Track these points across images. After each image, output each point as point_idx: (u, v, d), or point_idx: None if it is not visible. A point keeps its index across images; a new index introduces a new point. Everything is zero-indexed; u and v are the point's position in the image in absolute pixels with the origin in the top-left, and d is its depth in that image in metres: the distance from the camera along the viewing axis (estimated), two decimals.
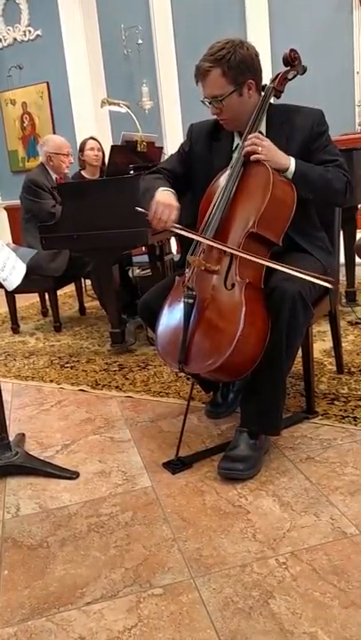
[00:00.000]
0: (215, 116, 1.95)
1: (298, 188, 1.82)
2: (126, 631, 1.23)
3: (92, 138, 4.18)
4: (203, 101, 1.91)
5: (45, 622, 1.28)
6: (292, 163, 1.83)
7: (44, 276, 3.64)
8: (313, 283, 1.72)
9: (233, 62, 1.81)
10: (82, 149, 4.13)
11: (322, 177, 1.86)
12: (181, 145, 2.15)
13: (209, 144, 2.04)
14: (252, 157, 1.81)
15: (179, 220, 1.89)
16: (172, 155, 2.21)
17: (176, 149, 2.19)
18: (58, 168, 3.86)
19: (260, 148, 1.80)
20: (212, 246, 1.82)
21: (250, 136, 1.84)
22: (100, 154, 4.11)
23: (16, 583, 1.42)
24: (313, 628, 1.18)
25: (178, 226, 1.87)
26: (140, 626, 1.24)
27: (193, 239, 1.87)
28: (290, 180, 1.83)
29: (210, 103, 1.89)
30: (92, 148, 4.09)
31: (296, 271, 1.69)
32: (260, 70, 1.90)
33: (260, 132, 1.92)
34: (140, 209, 1.91)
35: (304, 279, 1.70)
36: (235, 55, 1.81)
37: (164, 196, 1.90)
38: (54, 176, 3.87)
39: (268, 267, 1.77)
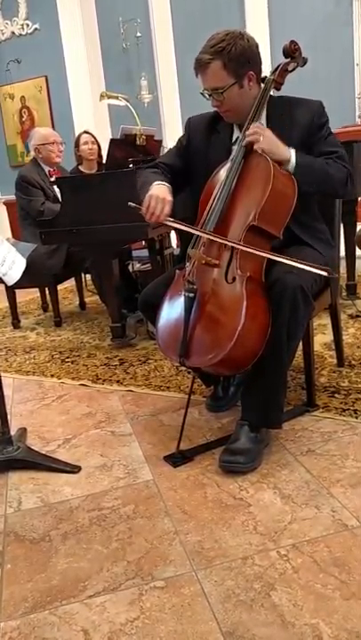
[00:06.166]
0: (215, 108, 1.94)
1: (299, 181, 1.81)
2: (128, 623, 1.24)
3: (85, 132, 4.16)
4: (202, 93, 1.90)
5: (48, 615, 1.29)
6: (292, 155, 1.81)
7: (42, 273, 3.63)
8: (312, 273, 1.71)
9: (233, 54, 1.80)
10: (77, 145, 4.12)
11: (322, 169, 1.85)
12: (179, 139, 2.14)
13: (208, 137, 2.03)
14: (255, 147, 1.79)
15: (173, 214, 1.88)
16: (170, 149, 2.21)
17: (175, 143, 2.18)
18: (48, 159, 3.82)
19: (261, 138, 1.78)
20: (212, 240, 1.81)
21: (251, 126, 1.83)
22: (95, 147, 4.09)
23: (19, 577, 1.43)
24: (314, 620, 1.19)
25: (171, 219, 1.86)
26: (143, 618, 1.25)
27: (192, 233, 1.86)
28: (290, 172, 1.82)
29: (210, 95, 1.87)
30: (85, 143, 4.07)
31: (295, 261, 1.68)
32: (261, 62, 1.89)
33: (261, 124, 1.91)
34: (132, 204, 1.90)
35: (304, 270, 1.69)
36: (235, 47, 1.80)
37: (158, 190, 1.89)
38: (47, 169, 3.83)
39: (268, 260, 1.77)
